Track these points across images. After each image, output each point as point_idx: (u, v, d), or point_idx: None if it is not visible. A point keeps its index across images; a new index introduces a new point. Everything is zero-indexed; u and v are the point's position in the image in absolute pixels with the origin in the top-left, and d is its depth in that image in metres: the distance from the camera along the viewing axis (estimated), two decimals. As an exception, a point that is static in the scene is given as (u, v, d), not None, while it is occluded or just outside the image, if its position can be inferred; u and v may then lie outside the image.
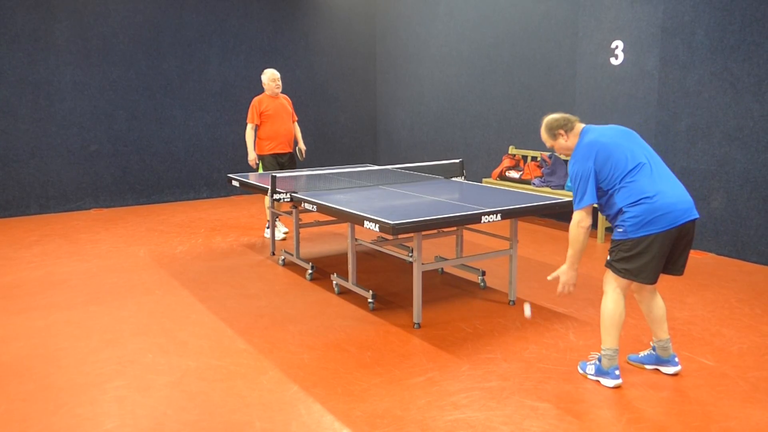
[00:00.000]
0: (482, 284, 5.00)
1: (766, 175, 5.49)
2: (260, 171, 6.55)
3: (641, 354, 3.59)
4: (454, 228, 5.11)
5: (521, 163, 7.65)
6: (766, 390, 3.28)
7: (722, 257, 5.83)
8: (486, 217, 4.04)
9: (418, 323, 4.17)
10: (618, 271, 3.24)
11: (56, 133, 8.05)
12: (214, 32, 8.94)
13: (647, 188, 3.13)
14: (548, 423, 2.98)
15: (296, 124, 6.88)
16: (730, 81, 5.65)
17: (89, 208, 8.35)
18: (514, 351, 3.80)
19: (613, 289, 3.30)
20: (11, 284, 5.18)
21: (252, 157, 6.50)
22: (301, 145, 6.85)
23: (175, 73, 8.72)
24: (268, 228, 6.72)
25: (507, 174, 7.62)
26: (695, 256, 5.86)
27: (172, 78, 8.71)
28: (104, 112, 8.32)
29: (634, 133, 3.35)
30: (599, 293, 4.62)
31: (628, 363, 3.59)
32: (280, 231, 6.68)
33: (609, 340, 3.30)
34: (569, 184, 6.86)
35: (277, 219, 6.32)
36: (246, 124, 6.53)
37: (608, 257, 3.31)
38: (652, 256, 3.15)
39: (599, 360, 3.37)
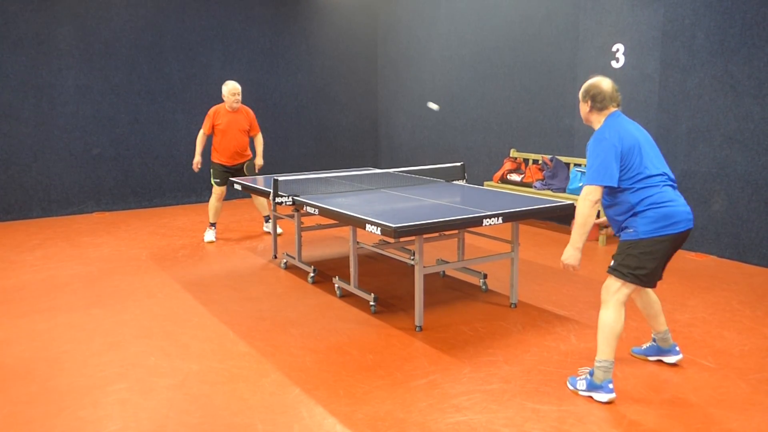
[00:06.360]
0: (484, 287, 5.01)
1: (767, 177, 5.49)
2: (212, 177, 6.71)
3: (644, 346, 3.71)
4: (456, 231, 5.12)
5: (522, 166, 7.66)
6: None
7: (723, 259, 5.83)
8: (487, 220, 4.05)
9: (420, 326, 4.18)
10: (625, 276, 3.19)
11: (59, 137, 8.07)
12: (216, 36, 8.96)
13: (666, 196, 3.17)
14: (549, 425, 2.99)
15: (258, 136, 6.83)
16: (731, 84, 5.66)
17: (91, 212, 8.36)
18: (515, 354, 3.80)
19: (615, 300, 3.24)
20: (14, 287, 5.19)
21: (196, 160, 6.76)
22: (258, 160, 6.80)
23: (177, 77, 8.74)
24: (208, 230, 6.81)
25: (508, 177, 7.62)
26: (696, 259, 5.86)
27: (174, 82, 8.74)
28: (106, 115, 8.34)
29: (653, 142, 3.34)
30: (600, 296, 4.65)
31: (631, 355, 3.71)
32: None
33: (608, 351, 3.24)
34: (570, 186, 6.90)
35: (271, 220, 6.31)
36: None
37: (613, 262, 3.25)
38: (661, 258, 3.19)
39: (590, 374, 3.29)
